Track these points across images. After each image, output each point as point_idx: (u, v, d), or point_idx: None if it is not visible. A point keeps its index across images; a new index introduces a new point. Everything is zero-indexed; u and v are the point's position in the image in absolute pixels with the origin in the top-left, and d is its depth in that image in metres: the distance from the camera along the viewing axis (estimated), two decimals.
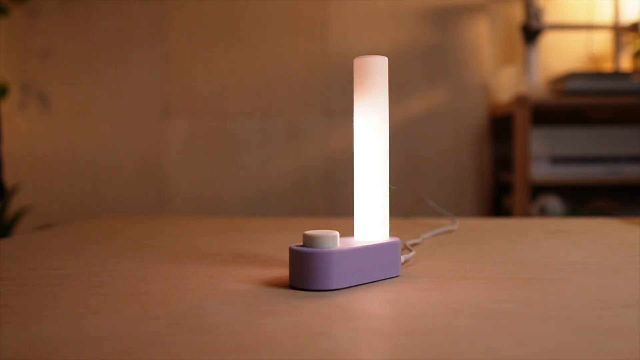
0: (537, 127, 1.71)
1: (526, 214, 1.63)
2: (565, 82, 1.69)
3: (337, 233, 0.42)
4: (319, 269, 0.41)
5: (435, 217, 0.90)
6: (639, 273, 0.46)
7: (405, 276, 0.46)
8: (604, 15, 1.90)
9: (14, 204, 1.85)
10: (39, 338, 0.31)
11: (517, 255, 0.56)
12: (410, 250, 0.54)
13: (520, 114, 1.63)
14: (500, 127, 1.88)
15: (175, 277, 0.46)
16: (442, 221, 0.83)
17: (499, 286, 0.42)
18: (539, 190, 1.73)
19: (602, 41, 1.92)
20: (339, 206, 1.89)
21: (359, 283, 0.43)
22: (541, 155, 1.69)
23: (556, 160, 1.70)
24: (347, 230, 0.50)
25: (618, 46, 1.88)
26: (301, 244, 0.42)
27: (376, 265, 0.44)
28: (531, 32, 1.80)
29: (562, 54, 1.92)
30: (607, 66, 1.92)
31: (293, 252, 0.42)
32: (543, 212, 1.66)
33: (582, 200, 1.82)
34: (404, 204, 1.35)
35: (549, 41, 1.90)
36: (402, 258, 0.48)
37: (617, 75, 1.74)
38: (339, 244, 0.42)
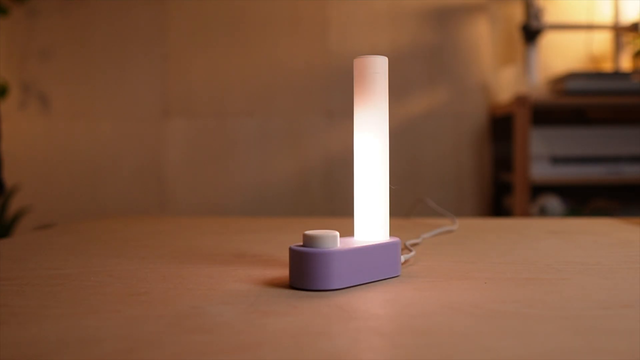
0: (537, 127, 1.71)
1: (526, 214, 1.63)
2: (565, 82, 1.69)
3: (337, 233, 0.42)
4: (319, 269, 0.41)
5: (435, 217, 0.90)
6: (639, 273, 0.46)
7: (405, 276, 0.46)
8: (604, 15, 1.90)
9: (14, 204, 1.85)
10: (39, 338, 0.31)
11: (517, 255, 0.56)
12: (410, 250, 0.54)
13: (520, 114, 1.63)
14: (500, 127, 1.88)
15: (175, 277, 0.46)
16: (442, 221, 0.83)
17: (499, 286, 0.42)
18: (539, 190, 1.73)
19: (602, 41, 1.92)
20: (339, 206, 1.89)
21: (359, 283, 0.42)
22: (541, 155, 1.69)
23: (556, 160, 1.70)
24: (347, 230, 0.50)
25: (618, 46, 1.88)
26: (301, 244, 0.42)
27: (376, 265, 0.44)
28: (531, 32, 1.80)
29: (562, 54, 1.92)
30: (607, 66, 1.92)
31: (293, 252, 0.42)
32: (543, 212, 1.66)
33: (582, 200, 1.82)
34: (404, 204, 1.35)
35: (549, 41, 1.90)
36: (402, 258, 0.48)
37: (617, 75, 1.74)
38: (339, 244, 0.42)
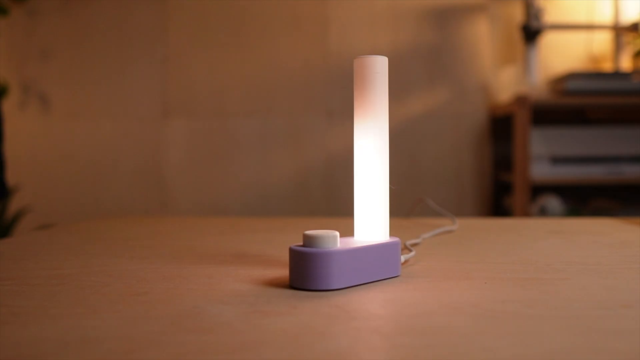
0: (537, 127, 1.71)
1: (526, 214, 1.63)
2: (565, 82, 1.69)
3: (337, 233, 0.42)
4: (319, 269, 0.41)
5: (435, 217, 0.90)
6: (639, 273, 0.46)
7: (405, 276, 0.46)
8: (604, 15, 1.90)
9: (14, 204, 1.85)
10: (39, 338, 0.31)
11: (517, 255, 0.56)
12: (410, 250, 0.54)
13: (520, 114, 1.63)
14: (500, 127, 1.88)
15: (175, 277, 0.46)
16: (442, 221, 0.83)
17: (499, 286, 0.42)
18: (539, 190, 1.73)
19: (602, 41, 1.92)
20: (339, 206, 1.89)
21: (358, 283, 0.42)
22: (541, 155, 1.69)
23: (556, 160, 1.70)
24: (347, 230, 0.50)
25: (618, 46, 1.88)
26: (301, 244, 0.42)
27: (376, 265, 0.44)
28: (531, 32, 1.80)
29: (562, 54, 1.92)
30: (607, 66, 1.92)
31: (293, 252, 0.42)
32: (543, 212, 1.66)
33: (582, 200, 1.82)
34: (404, 204, 1.35)
35: (549, 41, 1.90)
36: (402, 258, 0.48)
37: (617, 75, 1.74)
38: (339, 244, 0.42)
